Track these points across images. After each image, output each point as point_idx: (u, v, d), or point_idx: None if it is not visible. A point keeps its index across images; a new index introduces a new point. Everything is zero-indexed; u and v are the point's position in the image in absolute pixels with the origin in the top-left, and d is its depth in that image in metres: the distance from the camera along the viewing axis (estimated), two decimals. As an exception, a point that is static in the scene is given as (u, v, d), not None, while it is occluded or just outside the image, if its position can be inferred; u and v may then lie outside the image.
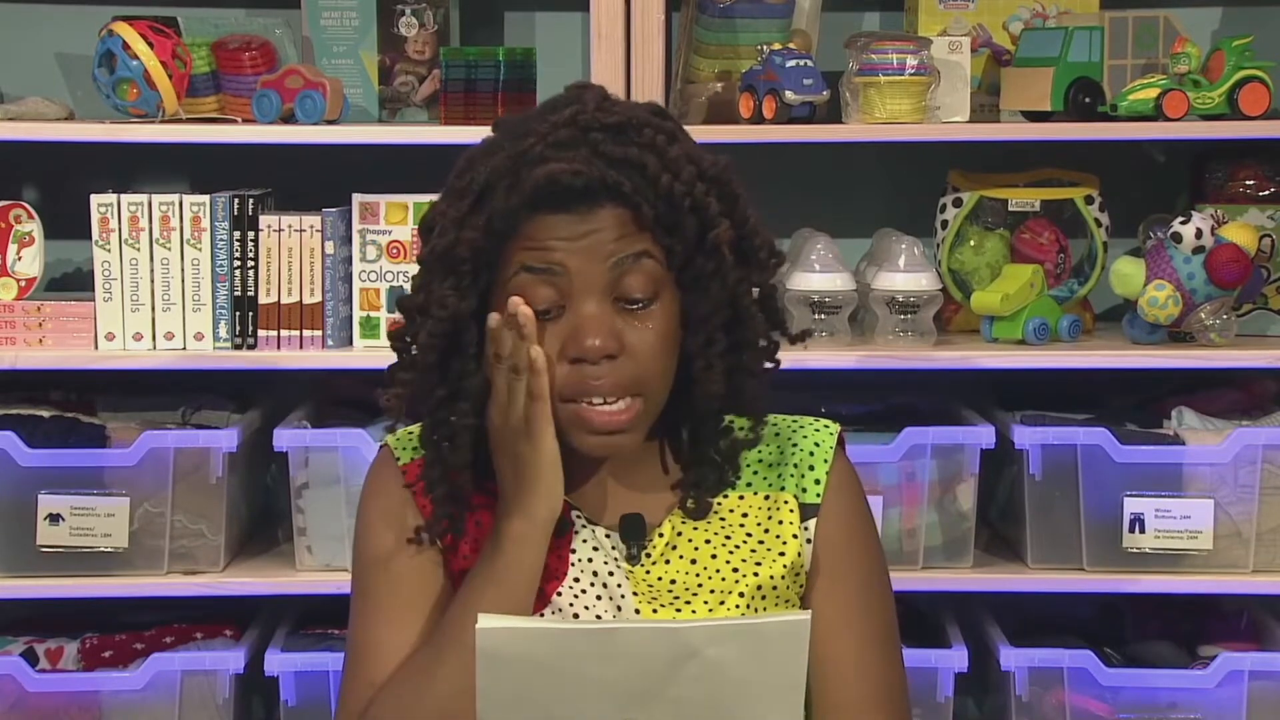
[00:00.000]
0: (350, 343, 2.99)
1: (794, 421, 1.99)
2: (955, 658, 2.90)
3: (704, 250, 1.82)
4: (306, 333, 2.96)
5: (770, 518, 1.93)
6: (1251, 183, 3.12)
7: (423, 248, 1.87)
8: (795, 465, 1.94)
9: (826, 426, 1.98)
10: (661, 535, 1.90)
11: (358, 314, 2.97)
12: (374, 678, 1.87)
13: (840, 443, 1.97)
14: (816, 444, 1.96)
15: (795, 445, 1.96)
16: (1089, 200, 3.09)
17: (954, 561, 2.97)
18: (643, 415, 1.84)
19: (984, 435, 2.93)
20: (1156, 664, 2.98)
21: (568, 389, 1.81)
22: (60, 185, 3.22)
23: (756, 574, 1.89)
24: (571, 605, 1.88)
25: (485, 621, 1.64)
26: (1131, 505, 2.91)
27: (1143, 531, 2.91)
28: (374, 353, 2.96)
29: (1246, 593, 3.02)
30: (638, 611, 1.87)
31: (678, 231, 1.81)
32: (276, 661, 2.90)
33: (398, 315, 1.90)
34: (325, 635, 2.97)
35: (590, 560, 1.89)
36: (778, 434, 1.97)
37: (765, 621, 1.69)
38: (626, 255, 1.80)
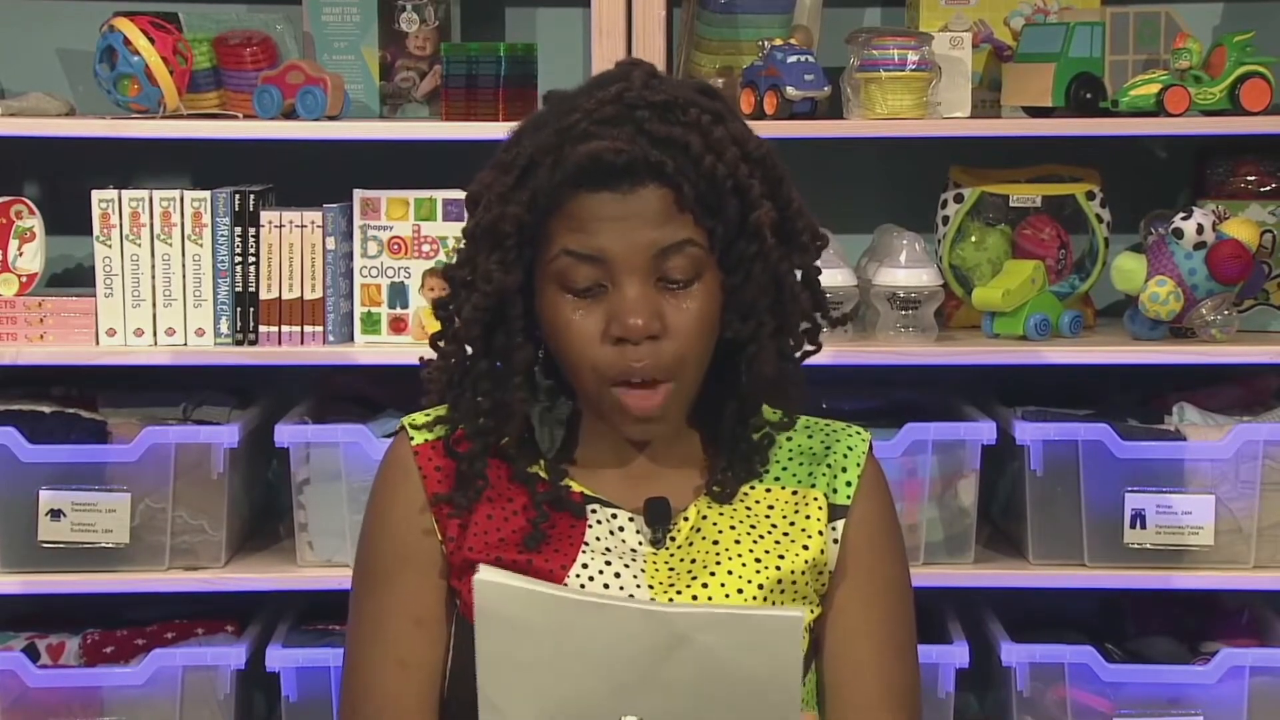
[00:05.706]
0: (351, 339, 2.99)
1: (828, 424, 1.99)
2: (956, 653, 2.91)
3: (746, 233, 1.82)
4: (307, 328, 2.96)
5: (797, 512, 1.92)
6: (1253, 178, 3.11)
7: (468, 220, 1.87)
8: (828, 466, 1.95)
9: (859, 433, 1.98)
10: (687, 519, 1.90)
11: (359, 310, 2.97)
12: (367, 712, 1.88)
13: (871, 449, 1.98)
14: (850, 448, 1.96)
15: (828, 447, 1.96)
16: (1090, 196, 3.09)
17: (955, 557, 2.97)
18: (674, 401, 1.84)
19: (985, 431, 2.92)
20: (1158, 660, 2.97)
21: (610, 371, 1.81)
22: (61, 181, 3.22)
23: (779, 567, 1.88)
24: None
25: (484, 573, 1.64)
26: (1133, 501, 2.91)
27: (1144, 527, 2.91)
28: (375, 348, 2.97)
29: (1248, 588, 3.02)
30: (653, 601, 1.86)
31: (720, 213, 1.81)
32: (278, 657, 2.90)
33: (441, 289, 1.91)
34: (327, 631, 2.98)
35: (607, 552, 1.87)
36: (810, 435, 1.97)
37: (755, 614, 1.69)
38: (670, 244, 1.80)
